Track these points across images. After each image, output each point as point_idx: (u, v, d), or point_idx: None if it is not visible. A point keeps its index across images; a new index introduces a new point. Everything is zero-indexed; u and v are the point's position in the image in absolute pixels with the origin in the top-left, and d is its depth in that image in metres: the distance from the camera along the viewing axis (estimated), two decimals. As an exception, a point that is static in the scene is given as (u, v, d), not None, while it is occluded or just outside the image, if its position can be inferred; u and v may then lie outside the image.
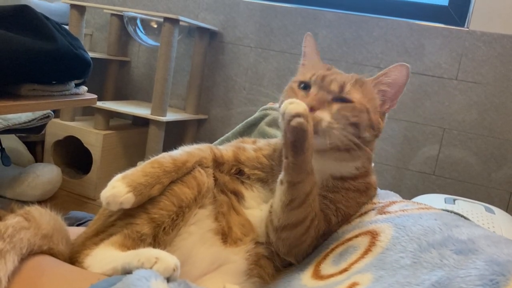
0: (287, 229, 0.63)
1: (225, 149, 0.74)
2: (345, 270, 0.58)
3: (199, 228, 0.63)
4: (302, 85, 0.70)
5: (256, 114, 1.15)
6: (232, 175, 0.72)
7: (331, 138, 0.63)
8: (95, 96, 1.34)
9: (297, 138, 0.57)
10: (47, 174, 1.95)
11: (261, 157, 0.73)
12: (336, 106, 0.65)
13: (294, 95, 0.68)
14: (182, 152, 0.66)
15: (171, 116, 2.10)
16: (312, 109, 0.63)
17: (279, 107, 0.68)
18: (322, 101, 0.65)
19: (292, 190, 0.60)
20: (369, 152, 0.69)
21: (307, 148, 0.58)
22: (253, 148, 0.75)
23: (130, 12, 2.18)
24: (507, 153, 1.92)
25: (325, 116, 0.63)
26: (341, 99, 0.66)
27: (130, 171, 0.60)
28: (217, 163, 0.71)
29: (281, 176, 0.62)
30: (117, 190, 0.57)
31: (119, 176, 0.59)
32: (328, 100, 0.66)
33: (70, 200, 2.09)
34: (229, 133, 1.14)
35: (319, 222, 0.66)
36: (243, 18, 2.27)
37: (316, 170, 0.63)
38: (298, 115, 0.56)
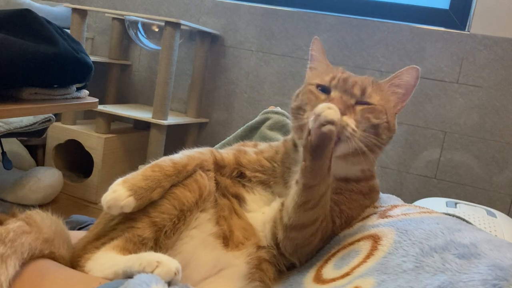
0: (296, 229, 0.63)
1: (226, 152, 0.74)
2: (347, 274, 0.58)
3: (201, 232, 0.63)
4: (320, 88, 0.69)
5: (258, 118, 1.15)
6: (234, 178, 0.72)
7: (351, 145, 0.62)
8: (96, 99, 1.34)
9: (320, 143, 0.57)
10: (48, 177, 1.95)
11: (262, 160, 0.73)
12: (359, 109, 0.65)
13: (315, 98, 0.68)
14: (182, 155, 0.66)
15: (172, 119, 2.10)
16: None
17: (292, 113, 0.70)
18: (347, 105, 0.65)
19: (307, 192, 0.60)
20: (376, 155, 0.69)
21: (326, 155, 0.58)
22: (254, 151, 0.75)
23: (131, 16, 2.19)
24: (509, 157, 1.92)
25: (350, 122, 0.62)
26: (363, 102, 0.66)
27: (131, 175, 0.60)
28: (218, 166, 0.71)
29: (297, 176, 0.61)
30: (118, 194, 0.57)
31: (119, 180, 0.59)
32: (352, 104, 0.66)
33: (71, 203, 2.09)
34: (230, 136, 1.14)
35: (327, 224, 0.66)
36: (244, 22, 2.27)
37: None
38: (332, 122, 0.55)
